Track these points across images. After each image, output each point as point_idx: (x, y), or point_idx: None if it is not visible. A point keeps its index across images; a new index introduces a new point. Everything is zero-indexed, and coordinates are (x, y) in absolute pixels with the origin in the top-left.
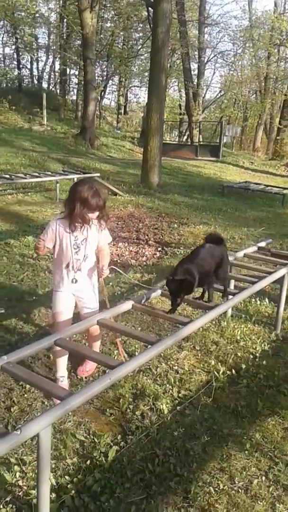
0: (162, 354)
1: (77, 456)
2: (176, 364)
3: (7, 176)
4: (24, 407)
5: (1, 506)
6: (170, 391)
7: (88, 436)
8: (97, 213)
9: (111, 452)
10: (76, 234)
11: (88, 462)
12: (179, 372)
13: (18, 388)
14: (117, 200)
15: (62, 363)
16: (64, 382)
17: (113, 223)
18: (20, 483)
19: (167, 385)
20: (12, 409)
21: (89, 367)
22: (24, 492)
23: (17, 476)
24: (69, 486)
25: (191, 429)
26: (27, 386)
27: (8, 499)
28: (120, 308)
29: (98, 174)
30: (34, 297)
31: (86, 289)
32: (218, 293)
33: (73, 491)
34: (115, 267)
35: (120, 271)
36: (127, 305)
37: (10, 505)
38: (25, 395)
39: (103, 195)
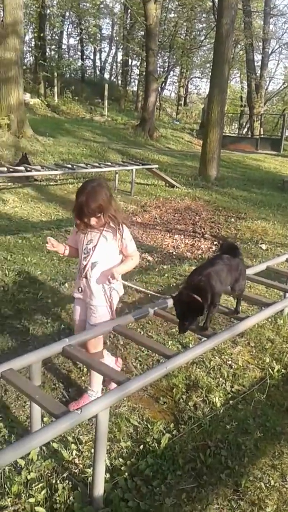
0: (216, 348)
1: (131, 440)
2: (230, 359)
3: (69, 165)
4: (82, 389)
5: (59, 481)
6: (223, 384)
7: (141, 422)
8: (92, 218)
9: (163, 439)
10: (90, 237)
11: (141, 446)
12: (233, 367)
13: (76, 370)
14: (174, 192)
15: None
16: (91, 398)
17: (169, 215)
18: (76, 461)
19: (220, 379)
20: (70, 390)
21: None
22: (80, 470)
23: (74, 454)
24: (122, 468)
25: (243, 424)
26: (85, 369)
27: (65, 475)
28: (140, 315)
29: (157, 166)
30: None
31: (94, 302)
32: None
33: (126, 473)
34: (127, 283)
35: (131, 284)
36: (148, 312)
37: (67, 481)
38: (83, 378)
39: (99, 194)
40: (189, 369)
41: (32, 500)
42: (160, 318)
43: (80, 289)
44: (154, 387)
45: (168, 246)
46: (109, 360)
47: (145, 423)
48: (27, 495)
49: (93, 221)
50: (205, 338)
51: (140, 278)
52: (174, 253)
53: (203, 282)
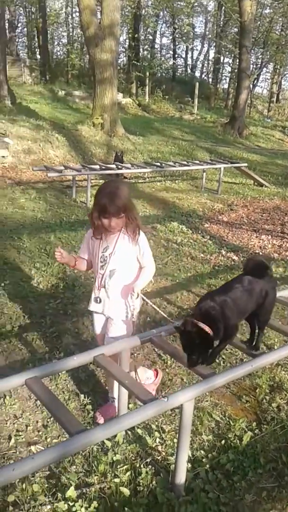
0: None
1: (212, 434)
2: None
3: (158, 164)
4: (165, 380)
5: (142, 466)
6: None
7: (223, 418)
8: (114, 219)
9: (245, 436)
10: (106, 244)
11: (223, 442)
12: None
13: (160, 362)
14: (262, 192)
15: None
16: (114, 403)
17: (257, 214)
18: (159, 448)
19: None
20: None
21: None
22: (163, 457)
23: (157, 441)
24: (203, 460)
25: None
26: (169, 361)
27: (148, 460)
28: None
29: (245, 164)
30: (176, 280)
31: (113, 313)
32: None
33: (207, 466)
34: (144, 297)
35: (148, 301)
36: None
37: (150, 466)
38: (166, 370)
39: (124, 198)
40: (273, 371)
41: (117, 480)
42: None
43: (98, 299)
44: (237, 385)
45: (254, 246)
46: (147, 374)
47: (227, 419)
48: (113, 475)
49: (114, 222)
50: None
51: (225, 276)
52: (260, 253)
53: (214, 310)
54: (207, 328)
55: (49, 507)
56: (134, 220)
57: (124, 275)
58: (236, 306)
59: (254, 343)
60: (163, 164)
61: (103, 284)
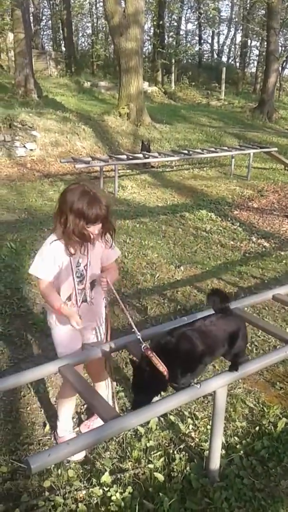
0: None
1: (246, 421)
2: None
3: (186, 151)
4: None
5: (176, 452)
6: None
7: (257, 404)
8: (99, 225)
9: (280, 423)
10: (78, 257)
11: (257, 428)
12: None
13: None
14: None
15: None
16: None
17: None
18: (192, 434)
19: None
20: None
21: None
22: (196, 443)
23: (190, 428)
24: (237, 446)
25: None
26: None
27: (181, 446)
28: (258, 299)
29: (276, 149)
30: (206, 268)
31: (100, 321)
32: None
33: (241, 452)
34: (115, 293)
35: (121, 303)
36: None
37: (183, 452)
38: None
39: (105, 199)
40: None
41: (151, 466)
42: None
43: (79, 317)
44: (270, 372)
45: (286, 232)
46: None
47: (261, 406)
48: (147, 461)
49: (98, 228)
50: None
51: (256, 263)
52: (284, 239)
53: (174, 342)
54: (162, 365)
55: (84, 492)
56: (112, 226)
57: (97, 278)
58: (202, 338)
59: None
60: (190, 152)
61: (85, 298)
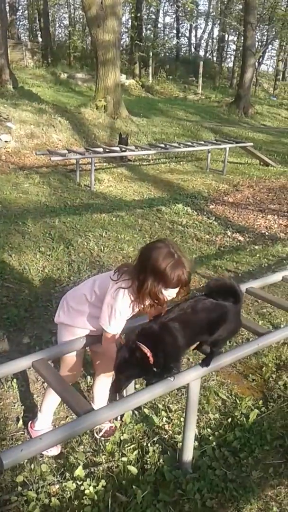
0: None
1: (219, 412)
2: None
3: (162, 145)
4: None
5: (149, 445)
6: None
7: (230, 396)
8: (176, 290)
9: (252, 414)
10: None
11: (229, 420)
12: None
13: None
14: (268, 171)
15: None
16: None
17: (263, 194)
18: (166, 427)
19: None
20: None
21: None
22: (169, 436)
23: (164, 420)
24: (210, 438)
25: None
26: None
27: (155, 439)
28: (269, 280)
29: (251, 144)
30: None
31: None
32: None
33: (214, 443)
34: None
35: None
36: (277, 277)
37: (157, 445)
38: None
39: (188, 263)
40: (280, 350)
41: (124, 459)
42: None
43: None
44: (243, 364)
45: (260, 226)
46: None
47: (234, 397)
48: (120, 454)
49: (174, 294)
50: None
51: (230, 257)
52: (266, 233)
53: (159, 330)
54: (146, 348)
55: (57, 486)
56: (189, 290)
57: None
58: (184, 330)
59: (204, 359)
60: (167, 146)
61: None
